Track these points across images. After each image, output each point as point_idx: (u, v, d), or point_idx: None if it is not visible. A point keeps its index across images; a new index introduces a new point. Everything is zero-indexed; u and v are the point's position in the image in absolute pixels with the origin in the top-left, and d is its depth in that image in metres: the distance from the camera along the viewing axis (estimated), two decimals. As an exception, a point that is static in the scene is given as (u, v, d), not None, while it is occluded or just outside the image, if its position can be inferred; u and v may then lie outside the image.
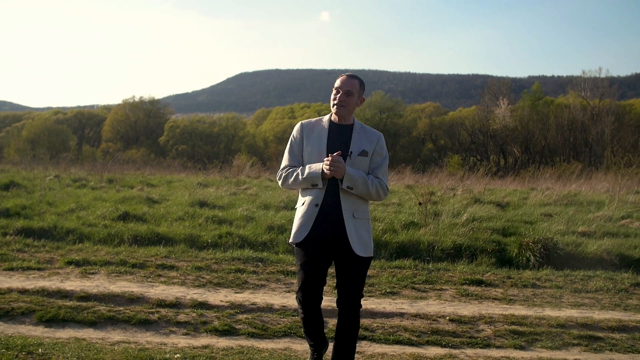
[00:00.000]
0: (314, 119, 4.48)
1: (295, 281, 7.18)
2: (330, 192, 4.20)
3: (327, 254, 4.22)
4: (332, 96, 4.31)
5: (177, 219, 10.61)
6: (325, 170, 4.10)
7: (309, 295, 4.19)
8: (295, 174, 4.29)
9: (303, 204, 4.28)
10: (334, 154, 4.10)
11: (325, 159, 4.13)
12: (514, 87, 69.18)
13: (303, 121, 4.49)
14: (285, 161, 4.42)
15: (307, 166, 4.27)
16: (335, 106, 4.28)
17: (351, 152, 4.24)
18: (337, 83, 4.33)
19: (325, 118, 4.44)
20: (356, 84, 4.31)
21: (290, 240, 4.29)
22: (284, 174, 4.37)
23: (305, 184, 4.24)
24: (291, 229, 4.39)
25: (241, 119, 73.95)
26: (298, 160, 4.37)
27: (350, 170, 4.16)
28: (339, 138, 4.30)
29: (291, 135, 4.47)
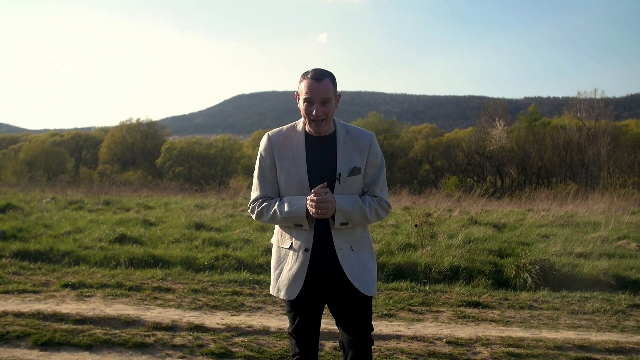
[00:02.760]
0: (285, 127, 3.58)
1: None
2: (319, 231, 3.46)
3: (323, 295, 3.54)
4: (304, 109, 3.38)
5: (174, 241, 10.60)
6: (312, 213, 3.31)
7: (308, 345, 3.62)
8: (272, 210, 3.46)
9: (290, 246, 3.51)
10: (319, 186, 3.30)
11: (309, 197, 3.33)
12: (510, 109, 69.55)
13: (270, 133, 3.57)
14: (256, 190, 3.58)
15: (285, 201, 3.44)
16: (313, 123, 3.39)
17: (339, 175, 3.42)
18: (305, 91, 3.35)
19: (299, 127, 3.54)
20: (329, 84, 3.36)
21: (282, 297, 3.52)
22: (257, 209, 3.54)
23: (286, 223, 3.48)
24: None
25: (238, 141, 74.14)
26: (272, 189, 3.54)
27: (342, 202, 3.37)
28: (320, 157, 3.46)
29: (258, 154, 3.58)
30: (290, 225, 3.47)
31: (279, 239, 3.60)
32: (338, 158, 3.44)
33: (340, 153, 3.45)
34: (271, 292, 3.61)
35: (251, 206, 3.58)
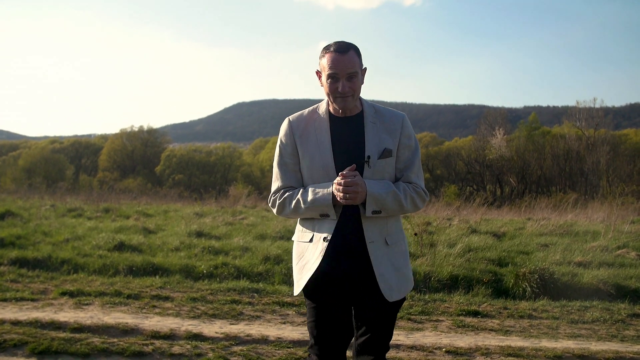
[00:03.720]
0: (306, 111, 3.26)
1: (289, 312, 7.14)
2: (346, 219, 3.09)
3: (346, 295, 3.17)
4: (328, 86, 3.05)
5: (173, 249, 10.57)
6: (339, 199, 2.96)
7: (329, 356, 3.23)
8: (294, 201, 3.12)
9: (311, 239, 3.16)
10: (347, 169, 2.96)
11: (336, 180, 2.98)
12: (509, 117, 69.69)
13: (291, 117, 3.25)
14: (277, 181, 3.24)
15: (309, 189, 3.09)
16: (338, 99, 3.06)
17: (369, 158, 3.06)
18: (328, 66, 3.01)
19: (322, 109, 3.22)
20: (354, 56, 3.03)
21: (296, 293, 3.20)
22: (278, 201, 3.20)
23: (311, 214, 3.12)
24: (290, 263, 3.39)
25: (237, 149, 74.31)
26: (295, 177, 3.20)
27: (374, 187, 3.00)
28: (347, 138, 3.11)
29: (278, 140, 3.26)
30: (316, 216, 3.11)
31: (300, 235, 3.26)
32: (366, 139, 3.09)
33: (369, 134, 3.11)
34: (295, 292, 3.24)
35: (272, 199, 3.25)
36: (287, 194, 3.17)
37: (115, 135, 71.45)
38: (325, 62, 3.03)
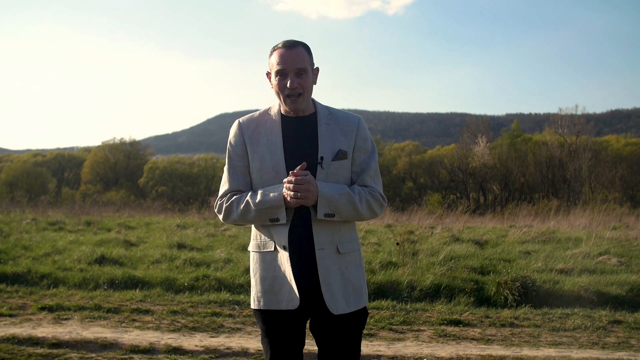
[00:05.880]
0: (257, 113, 3.06)
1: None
2: (299, 223, 2.89)
3: (304, 309, 2.93)
4: (277, 84, 2.90)
5: (154, 261, 10.50)
6: (289, 198, 2.75)
7: None
8: (242, 205, 2.90)
9: (274, 248, 2.91)
10: (297, 168, 2.76)
11: (286, 179, 2.78)
12: (492, 125, 70.00)
13: (241, 119, 3.06)
14: (225, 184, 3.02)
15: (259, 191, 2.88)
16: (288, 99, 2.89)
17: (322, 159, 2.89)
18: (276, 62, 2.88)
19: (274, 110, 3.03)
20: (303, 52, 2.91)
21: (259, 307, 2.96)
22: (225, 205, 2.97)
23: (260, 219, 2.90)
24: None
25: (220, 160, 74.11)
26: (244, 181, 2.99)
27: (326, 188, 2.82)
28: (299, 139, 2.95)
29: (228, 143, 3.07)
30: (265, 221, 2.89)
31: (259, 244, 3.00)
32: (320, 140, 2.93)
33: (323, 135, 2.94)
34: (256, 306, 2.98)
35: (218, 203, 3.02)
36: (234, 197, 2.96)
37: (98, 147, 71.10)
38: (273, 59, 2.90)
